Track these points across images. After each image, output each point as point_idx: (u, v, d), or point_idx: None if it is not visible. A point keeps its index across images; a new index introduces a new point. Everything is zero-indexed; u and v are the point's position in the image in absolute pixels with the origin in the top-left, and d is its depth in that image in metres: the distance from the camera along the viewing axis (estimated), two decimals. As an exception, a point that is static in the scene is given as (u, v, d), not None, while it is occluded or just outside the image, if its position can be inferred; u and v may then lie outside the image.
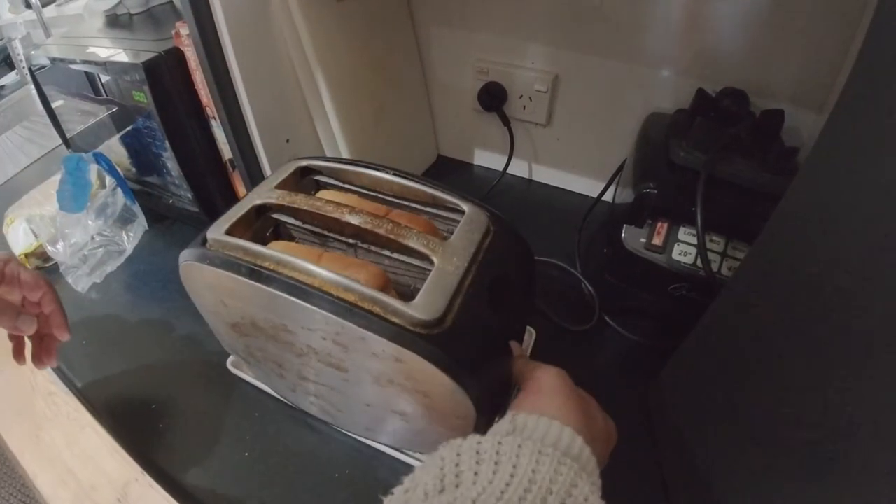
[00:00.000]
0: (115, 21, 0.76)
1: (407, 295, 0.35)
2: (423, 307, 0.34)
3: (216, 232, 0.41)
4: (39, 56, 0.73)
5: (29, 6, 1.28)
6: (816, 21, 0.53)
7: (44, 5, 1.29)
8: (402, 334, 0.33)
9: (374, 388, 0.39)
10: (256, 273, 0.37)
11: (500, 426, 0.33)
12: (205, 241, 0.42)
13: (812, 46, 0.54)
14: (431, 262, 0.37)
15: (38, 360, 0.51)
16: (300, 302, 0.35)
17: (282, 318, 0.38)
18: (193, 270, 0.42)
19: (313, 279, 0.36)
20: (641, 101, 0.65)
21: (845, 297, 0.29)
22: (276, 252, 0.37)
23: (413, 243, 0.38)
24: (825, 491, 0.31)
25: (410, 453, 0.50)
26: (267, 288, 0.36)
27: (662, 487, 0.49)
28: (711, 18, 0.58)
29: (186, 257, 0.42)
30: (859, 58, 0.28)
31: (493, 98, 0.74)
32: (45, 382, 0.63)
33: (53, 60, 0.71)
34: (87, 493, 0.51)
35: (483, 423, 0.39)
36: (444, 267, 0.37)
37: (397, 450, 0.51)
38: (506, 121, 0.76)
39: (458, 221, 0.42)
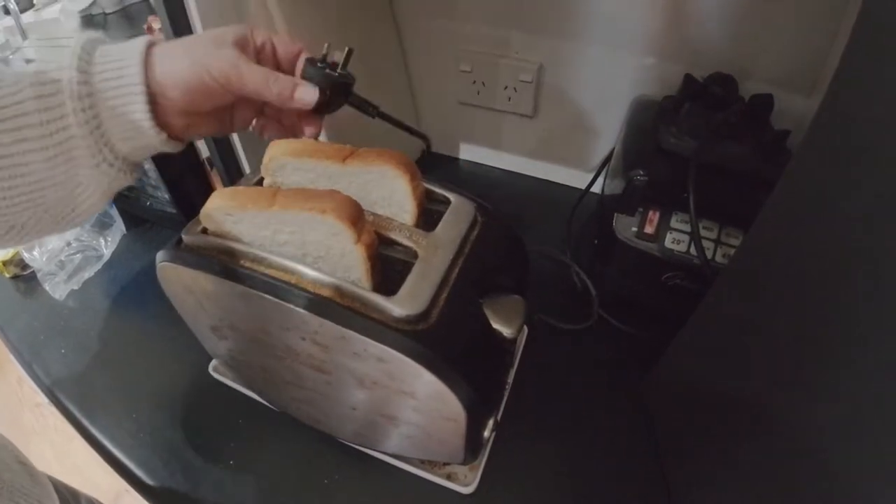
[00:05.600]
0: (90, 21, 0.75)
1: (389, 290, 0.34)
2: (406, 302, 0.32)
3: (192, 232, 0.39)
4: (16, 60, 0.71)
5: (7, 12, 1.26)
6: (803, 4, 0.52)
7: (22, 11, 1.26)
8: (384, 331, 0.32)
9: (358, 391, 0.38)
10: (231, 272, 0.35)
11: None
12: (180, 242, 0.40)
13: (799, 30, 0.53)
14: (415, 255, 0.36)
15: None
16: (275, 300, 0.33)
17: (259, 319, 0.37)
18: (170, 272, 0.40)
19: (290, 276, 0.34)
20: (628, 88, 0.64)
21: (844, 283, 0.28)
22: (253, 249, 0.36)
23: (395, 235, 0.36)
24: (827, 480, 0.29)
25: (405, 458, 0.49)
26: (241, 286, 0.34)
27: (664, 484, 0.47)
28: (696, 2, 0.57)
29: (162, 258, 0.40)
30: (851, 40, 0.27)
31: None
32: (31, 394, 0.62)
33: (28, 62, 0.69)
34: (78, 505, 0.49)
35: (475, 426, 0.37)
36: (429, 259, 0.35)
37: (391, 455, 0.49)
38: (365, 109, 0.73)
39: (444, 213, 0.40)
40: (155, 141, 0.34)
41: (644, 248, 0.52)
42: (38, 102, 0.30)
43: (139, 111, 0.33)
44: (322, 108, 0.37)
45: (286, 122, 0.40)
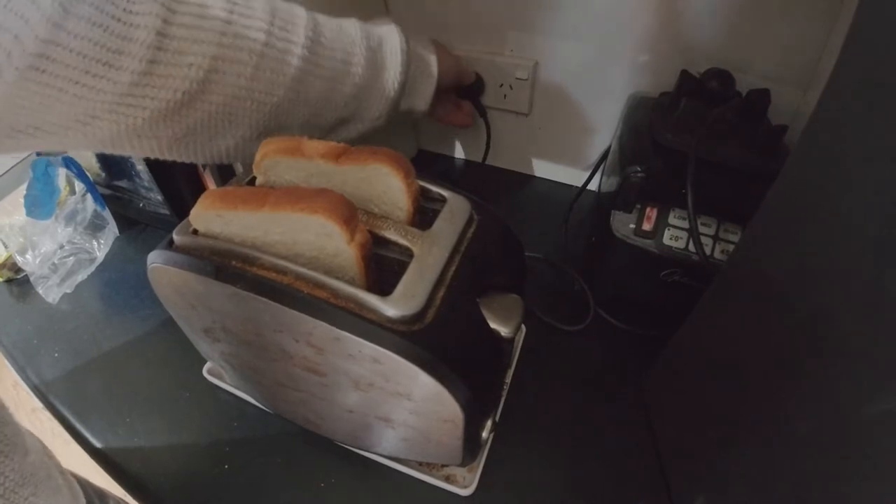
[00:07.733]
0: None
1: (385, 289, 0.33)
2: (402, 302, 0.32)
3: (183, 232, 0.39)
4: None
5: None
6: (799, -1, 0.51)
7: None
8: (379, 332, 0.31)
9: (354, 393, 0.37)
10: (222, 272, 0.34)
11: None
12: (172, 244, 0.39)
13: (796, 24, 0.53)
14: (411, 254, 0.35)
15: None
16: (268, 301, 0.32)
17: (252, 320, 0.36)
18: (161, 274, 0.40)
19: (283, 276, 0.33)
20: (624, 85, 0.64)
21: (845, 278, 0.27)
22: (245, 249, 0.35)
23: (390, 234, 0.36)
24: (831, 480, 0.29)
25: (402, 460, 0.48)
26: (233, 288, 0.33)
27: (664, 484, 0.47)
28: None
29: (153, 260, 0.39)
30: (849, 35, 0.26)
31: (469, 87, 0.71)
32: (27, 398, 0.61)
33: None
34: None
35: (473, 427, 0.37)
36: (425, 258, 0.35)
37: (388, 457, 0.48)
38: (482, 111, 0.74)
39: (439, 211, 0.40)
40: (424, 108, 0.56)
41: (642, 245, 0.52)
42: (368, 58, 0.49)
43: (430, 91, 0.55)
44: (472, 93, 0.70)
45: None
